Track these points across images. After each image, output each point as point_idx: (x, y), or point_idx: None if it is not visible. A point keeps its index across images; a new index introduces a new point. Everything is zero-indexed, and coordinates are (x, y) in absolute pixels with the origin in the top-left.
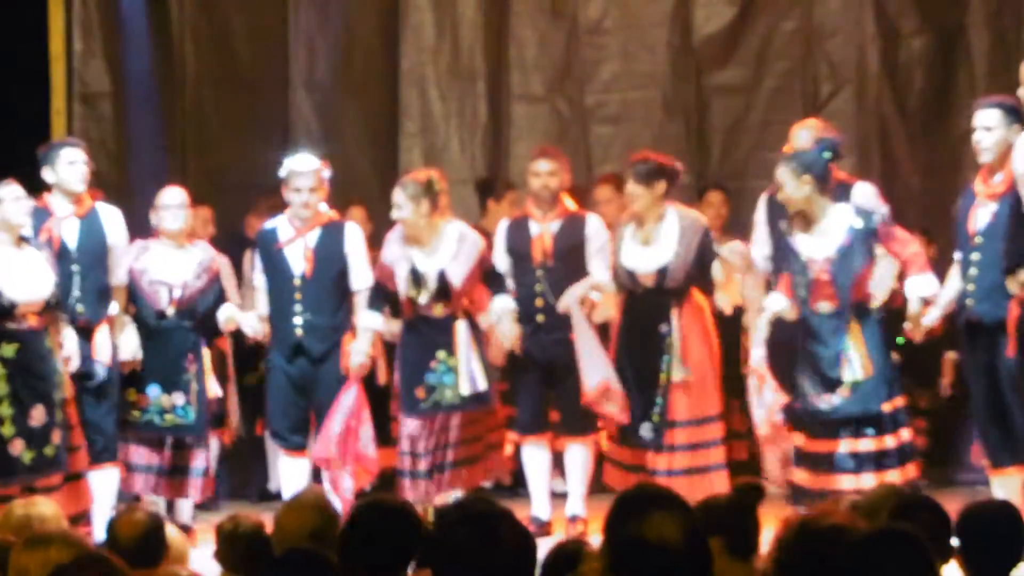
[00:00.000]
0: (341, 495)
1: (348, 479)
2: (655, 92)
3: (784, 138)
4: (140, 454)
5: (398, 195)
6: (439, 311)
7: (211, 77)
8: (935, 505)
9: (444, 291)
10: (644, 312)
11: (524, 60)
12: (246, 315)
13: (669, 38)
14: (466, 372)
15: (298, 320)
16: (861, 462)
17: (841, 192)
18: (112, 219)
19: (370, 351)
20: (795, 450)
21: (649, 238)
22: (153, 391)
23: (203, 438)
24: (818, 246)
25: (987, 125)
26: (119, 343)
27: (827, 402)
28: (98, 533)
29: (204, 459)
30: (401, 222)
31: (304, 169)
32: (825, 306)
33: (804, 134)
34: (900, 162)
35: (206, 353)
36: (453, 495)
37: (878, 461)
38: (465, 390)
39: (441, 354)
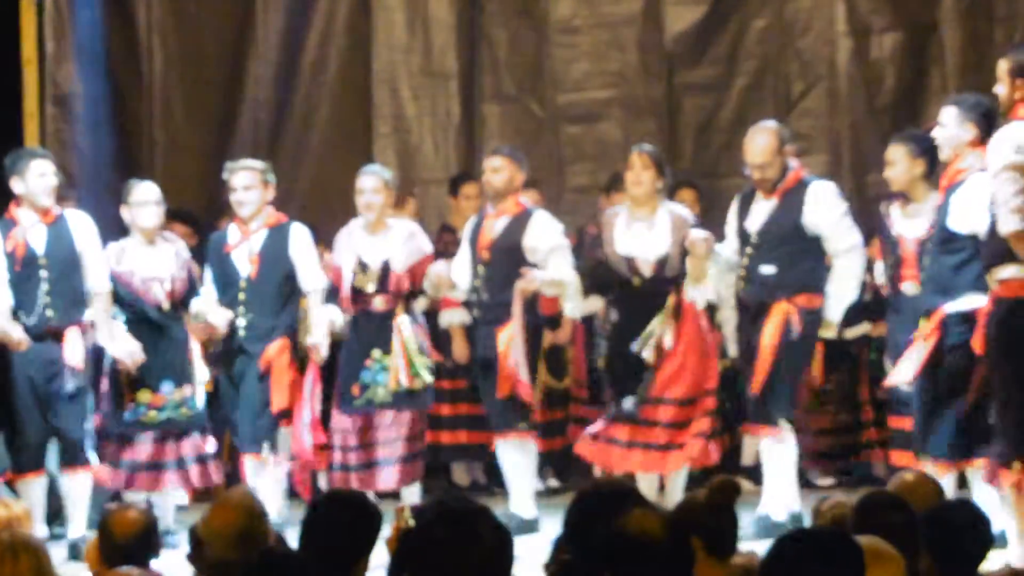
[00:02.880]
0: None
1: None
2: (626, 91)
3: None
4: (148, 451)
5: (375, 180)
6: (380, 305)
7: (179, 77)
8: (902, 504)
9: (386, 281)
10: (642, 303)
11: (496, 60)
12: (217, 310)
13: (640, 37)
14: (400, 367)
15: (241, 322)
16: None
17: (799, 189)
18: (82, 225)
19: (327, 341)
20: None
21: (643, 228)
22: (167, 387)
23: (207, 425)
24: (910, 226)
25: (942, 122)
26: (111, 348)
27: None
28: (74, 533)
29: (213, 444)
30: (372, 209)
31: (237, 167)
32: (910, 287)
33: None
34: (871, 159)
35: (193, 340)
36: (410, 492)
37: None
38: (396, 385)
39: (376, 353)
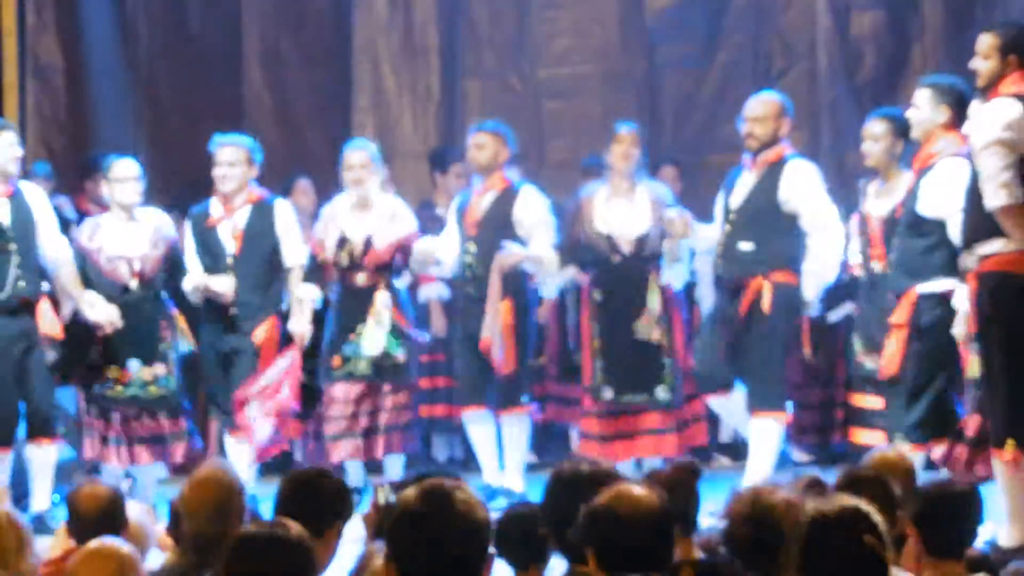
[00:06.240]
0: (255, 444)
1: (265, 428)
2: (607, 66)
3: (736, 113)
4: (119, 428)
5: (362, 155)
6: (363, 281)
7: (164, 51)
8: (881, 480)
9: (367, 257)
10: (623, 280)
11: (477, 35)
12: (215, 278)
13: (621, 12)
14: (375, 336)
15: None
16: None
17: (779, 165)
18: (36, 196)
19: (309, 321)
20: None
21: (624, 205)
22: (134, 365)
23: (183, 404)
24: (878, 205)
25: (915, 104)
26: (91, 314)
27: (874, 361)
28: (39, 506)
29: (186, 423)
30: (362, 184)
31: (224, 142)
32: (877, 265)
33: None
34: (851, 137)
35: (176, 315)
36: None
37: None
38: (373, 352)
39: (360, 328)
